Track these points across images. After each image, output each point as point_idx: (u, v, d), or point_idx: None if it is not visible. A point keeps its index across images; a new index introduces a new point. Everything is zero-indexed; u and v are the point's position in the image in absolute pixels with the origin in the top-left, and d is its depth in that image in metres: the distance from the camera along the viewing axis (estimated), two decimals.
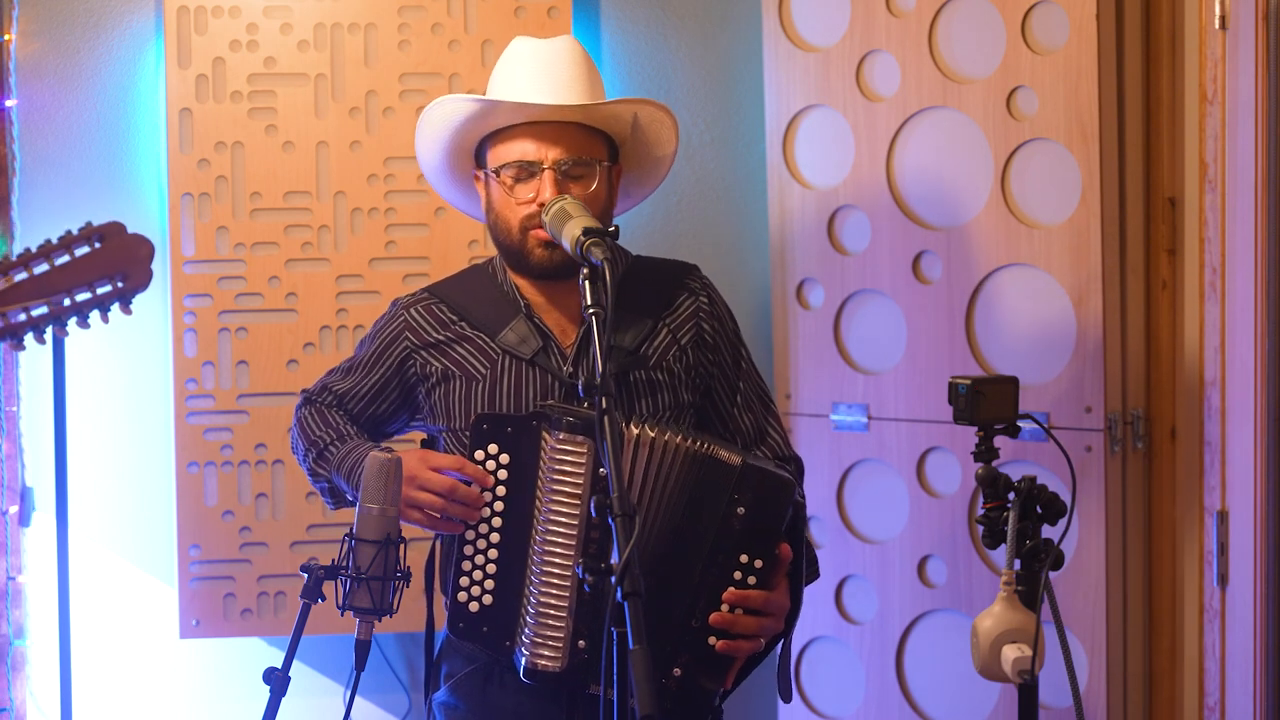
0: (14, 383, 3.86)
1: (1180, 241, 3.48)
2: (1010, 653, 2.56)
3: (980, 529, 2.70)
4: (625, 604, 2.33)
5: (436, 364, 3.04)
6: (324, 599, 2.72)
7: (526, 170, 2.95)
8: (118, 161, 3.92)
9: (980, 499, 2.70)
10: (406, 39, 3.87)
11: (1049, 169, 3.48)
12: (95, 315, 2.90)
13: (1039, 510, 2.65)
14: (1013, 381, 2.76)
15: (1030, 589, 2.62)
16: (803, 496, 3.04)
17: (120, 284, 2.90)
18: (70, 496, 3.54)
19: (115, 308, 2.92)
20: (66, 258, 2.85)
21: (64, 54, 3.90)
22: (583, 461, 2.79)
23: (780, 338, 3.94)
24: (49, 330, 2.86)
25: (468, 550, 2.85)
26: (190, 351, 3.83)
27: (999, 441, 2.76)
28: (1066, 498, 2.64)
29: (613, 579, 2.35)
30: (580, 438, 2.79)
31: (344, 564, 2.69)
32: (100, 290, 2.88)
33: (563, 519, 2.80)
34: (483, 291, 3.10)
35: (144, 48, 3.91)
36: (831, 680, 3.91)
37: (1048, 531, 2.65)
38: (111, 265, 2.88)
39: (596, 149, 2.99)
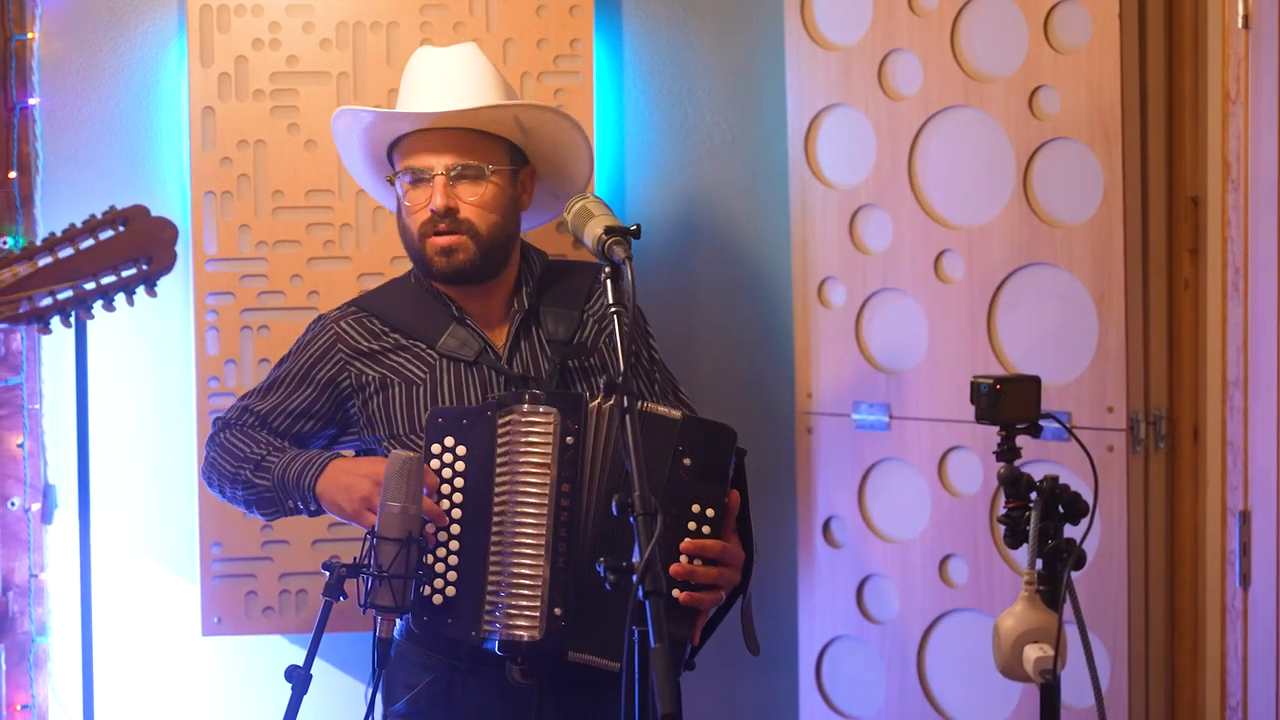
0: (36, 380, 3.88)
1: (1203, 241, 3.48)
2: (1032, 652, 2.56)
3: (1002, 528, 2.70)
4: (647, 602, 2.35)
5: (373, 373, 3.09)
6: (346, 597, 2.73)
7: (419, 176, 3.07)
8: (140, 160, 3.93)
9: (1002, 498, 2.70)
10: (428, 38, 3.87)
11: (1071, 168, 3.47)
12: (120, 298, 2.91)
13: (1061, 510, 2.64)
14: (1035, 381, 2.75)
15: (1052, 589, 2.62)
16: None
17: (145, 267, 2.91)
18: (93, 494, 3.53)
19: (140, 290, 2.93)
20: (91, 241, 2.87)
21: (86, 52, 3.91)
22: (549, 431, 2.87)
23: (801, 337, 3.94)
24: (74, 314, 2.88)
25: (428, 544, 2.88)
26: (212, 349, 3.84)
27: (1021, 441, 2.75)
28: (1088, 497, 2.64)
29: (634, 578, 2.37)
30: (543, 409, 2.86)
31: (366, 562, 2.71)
32: (125, 273, 2.89)
33: (533, 489, 2.85)
34: (411, 302, 3.20)
35: (166, 46, 3.92)
36: (852, 679, 3.91)
37: (1070, 531, 2.65)
38: (136, 248, 2.90)
39: (489, 154, 3.12)
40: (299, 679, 2.72)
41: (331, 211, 3.85)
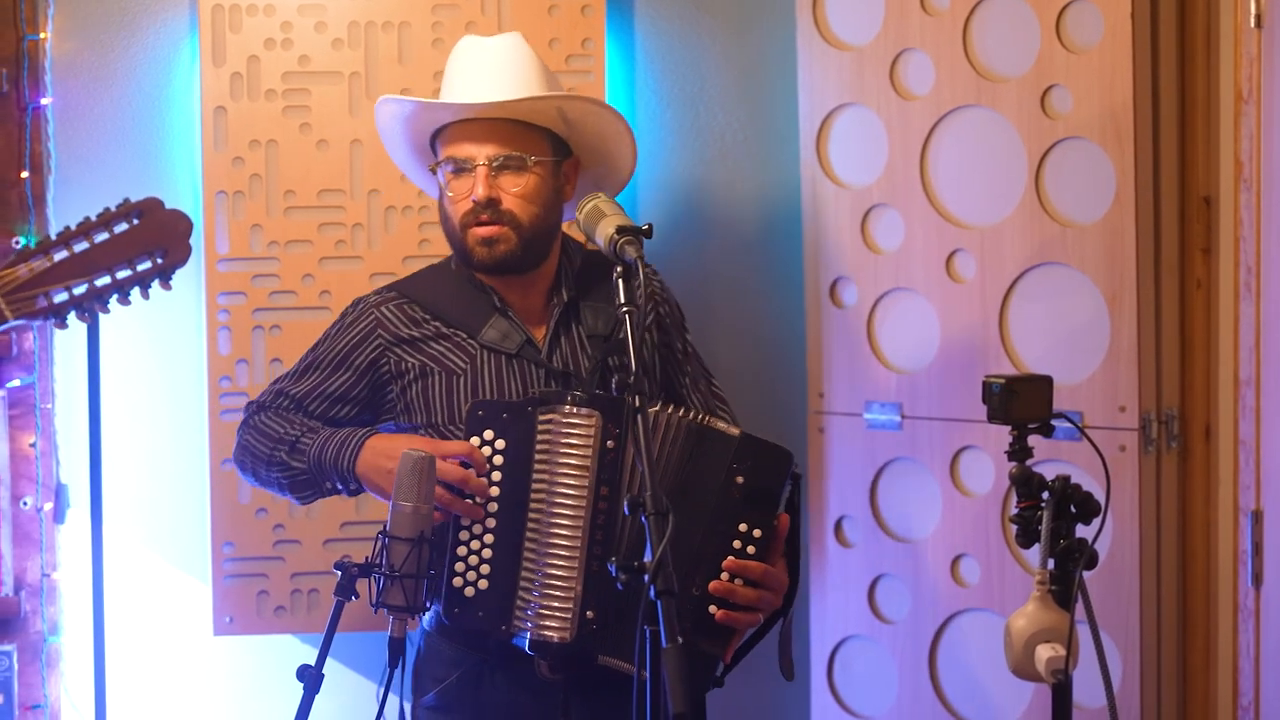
0: (49, 380, 3.88)
1: (1215, 240, 3.47)
2: (1044, 652, 2.56)
3: (1014, 528, 2.70)
4: (659, 602, 2.35)
5: (413, 360, 3.08)
6: (357, 596, 2.73)
7: (461, 166, 3.06)
8: (152, 159, 3.93)
9: (1014, 498, 2.70)
10: (440, 37, 3.87)
11: (1083, 168, 3.47)
12: (136, 292, 2.92)
13: (1073, 509, 2.64)
14: (1047, 380, 2.75)
15: (1064, 588, 2.61)
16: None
17: (160, 260, 2.92)
18: (105, 494, 3.54)
19: (155, 284, 2.94)
20: (106, 235, 2.87)
21: (99, 52, 3.92)
22: (590, 435, 2.86)
23: (813, 336, 3.93)
24: (90, 308, 2.88)
25: (463, 536, 2.89)
26: (224, 349, 3.84)
27: (1033, 440, 2.75)
28: (1100, 497, 2.64)
29: (645, 577, 2.37)
30: (586, 411, 2.85)
31: (377, 561, 2.71)
32: (140, 267, 2.90)
33: (570, 491, 2.85)
34: (452, 290, 3.17)
35: (179, 46, 3.93)
36: (864, 679, 3.91)
37: (1081, 531, 2.65)
38: (151, 241, 2.90)
39: (531, 145, 3.09)
40: (311, 678, 2.72)
41: (343, 211, 3.86)
